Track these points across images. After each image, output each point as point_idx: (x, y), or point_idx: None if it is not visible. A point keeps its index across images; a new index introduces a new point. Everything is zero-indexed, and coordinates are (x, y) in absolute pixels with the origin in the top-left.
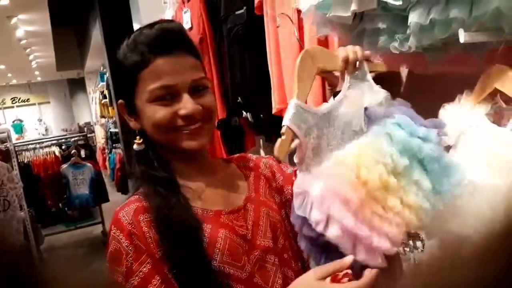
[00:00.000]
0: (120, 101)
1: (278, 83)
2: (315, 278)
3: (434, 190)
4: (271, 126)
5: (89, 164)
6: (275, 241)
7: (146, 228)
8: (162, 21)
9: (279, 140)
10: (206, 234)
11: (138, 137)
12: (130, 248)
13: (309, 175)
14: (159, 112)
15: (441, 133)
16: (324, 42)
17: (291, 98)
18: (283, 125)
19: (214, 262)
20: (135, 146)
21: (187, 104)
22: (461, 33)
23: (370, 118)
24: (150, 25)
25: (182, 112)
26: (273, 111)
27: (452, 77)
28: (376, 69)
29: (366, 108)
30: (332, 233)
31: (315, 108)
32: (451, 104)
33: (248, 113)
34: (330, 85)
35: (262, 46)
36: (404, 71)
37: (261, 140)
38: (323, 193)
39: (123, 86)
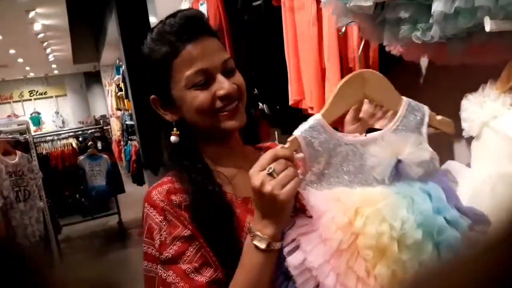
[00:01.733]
0: (152, 96)
1: (295, 75)
2: None
3: None
4: (287, 118)
5: (105, 156)
6: None
7: (177, 208)
8: (181, 11)
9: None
10: (235, 218)
11: (175, 129)
12: (164, 223)
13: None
14: (200, 96)
15: (475, 227)
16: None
17: (309, 91)
18: (293, 134)
19: (241, 245)
20: (172, 138)
21: (223, 85)
22: (487, 21)
23: (399, 173)
24: (172, 16)
25: (221, 92)
26: (290, 102)
27: (474, 68)
28: (439, 127)
29: (399, 161)
30: (293, 261)
31: (339, 133)
32: (474, 94)
33: (264, 105)
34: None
35: (280, 37)
36: (424, 62)
37: (276, 132)
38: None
39: (155, 80)
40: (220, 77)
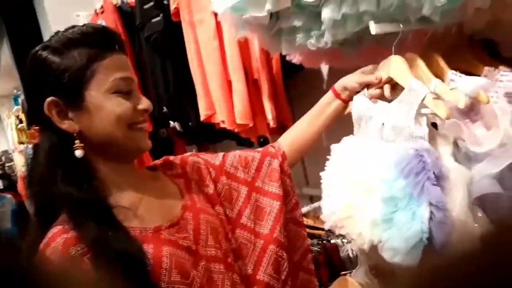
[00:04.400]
0: (51, 98)
1: (203, 90)
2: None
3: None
4: (201, 134)
5: (9, 196)
6: (217, 248)
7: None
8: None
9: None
10: (149, 256)
11: (78, 141)
12: None
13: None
14: (124, 104)
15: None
16: (244, 44)
17: (218, 105)
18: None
19: (163, 284)
20: (78, 153)
21: (142, 100)
22: (372, 25)
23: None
24: (86, 24)
25: (141, 106)
26: (201, 118)
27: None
28: (432, 108)
29: (383, 124)
30: None
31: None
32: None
33: (175, 123)
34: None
35: (183, 52)
36: (325, 67)
37: (193, 150)
38: None
39: (60, 81)
40: (137, 93)
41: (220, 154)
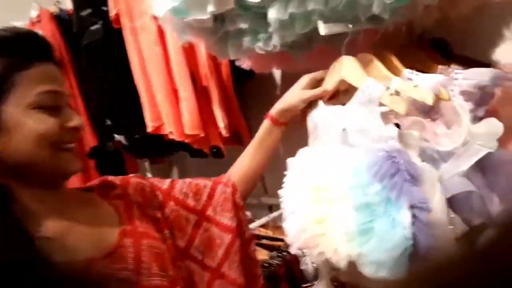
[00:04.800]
0: None
1: (148, 100)
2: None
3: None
4: (149, 147)
5: None
6: (163, 276)
7: None
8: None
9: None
10: None
11: None
12: None
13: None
14: (48, 121)
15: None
16: (190, 49)
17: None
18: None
19: None
20: None
21: (73, 116)
22: (321, 26)
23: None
24: (12, 28)
25: (71, 124)
26: (148, 129)
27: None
28: (389, 105)
29: (344, 129)
30: None
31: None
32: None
33: (120, 136)
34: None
35: (126, 61)
36: (277, 72)
37: (146, 164)
38: None
39: None
40: (67, 109)
41: (168, 180)
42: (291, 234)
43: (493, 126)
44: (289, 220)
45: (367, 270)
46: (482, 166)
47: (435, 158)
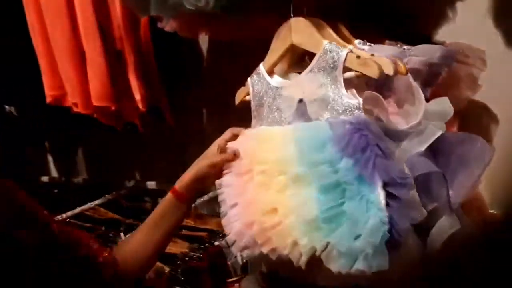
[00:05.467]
0: None
1: (48, 64)
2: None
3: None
4: (45, 121)
5: None
6: None
7: None
8: None
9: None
10: None
11: None
12: None
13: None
14: None
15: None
16: (102, 4)
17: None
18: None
19: None
20: None
21: None
22: None
23: (302, 112)
24: None
25: None
26: (47, 100)
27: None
28: (359, 69)
29: (301, 100)
30: None
31: (271, 78)
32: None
33: (10, 107)
34: None
35: (20, 16)
36: (204, 40)
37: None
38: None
39: None
40: None
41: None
42: (233, 232)
43: (446, 107)
44: (230, 214)
45: (338, 265)
46: (432, 148)
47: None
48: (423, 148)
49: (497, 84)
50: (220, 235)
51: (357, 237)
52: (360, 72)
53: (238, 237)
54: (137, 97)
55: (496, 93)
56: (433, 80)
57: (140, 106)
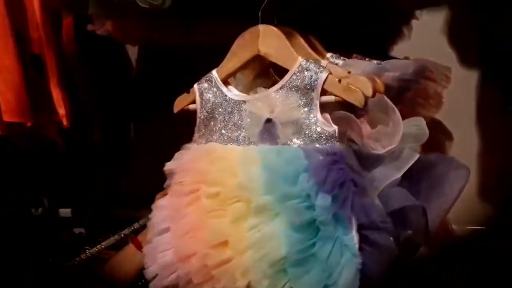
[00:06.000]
0: None
1: None
2: None
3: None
4: None
5: None
6: None
7: None
8: None
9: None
10: None
11: None
12: None
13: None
14: None
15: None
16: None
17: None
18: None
19: None
20: None
21: None
22: None
23: (269, 133)
24: None
25: None
26: None
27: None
28: (340, 95)
29: (269, 120)
30: None
31: (227, 89)
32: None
33: None
34: None
35: None
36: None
37: None
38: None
39: None
40: None
41: None
42: (158, 263)
43: (421, 127)
44: (159, 241)
45: None
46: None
47: (364, 163)
48: (400, 174)
49: (451, 102)
50: None
51: (326, 286)
52: (342, 98)
53: (163, 271)
54: (60, 111)
55: (451, 110)
56: (401, 97)
57: (64, 121)
